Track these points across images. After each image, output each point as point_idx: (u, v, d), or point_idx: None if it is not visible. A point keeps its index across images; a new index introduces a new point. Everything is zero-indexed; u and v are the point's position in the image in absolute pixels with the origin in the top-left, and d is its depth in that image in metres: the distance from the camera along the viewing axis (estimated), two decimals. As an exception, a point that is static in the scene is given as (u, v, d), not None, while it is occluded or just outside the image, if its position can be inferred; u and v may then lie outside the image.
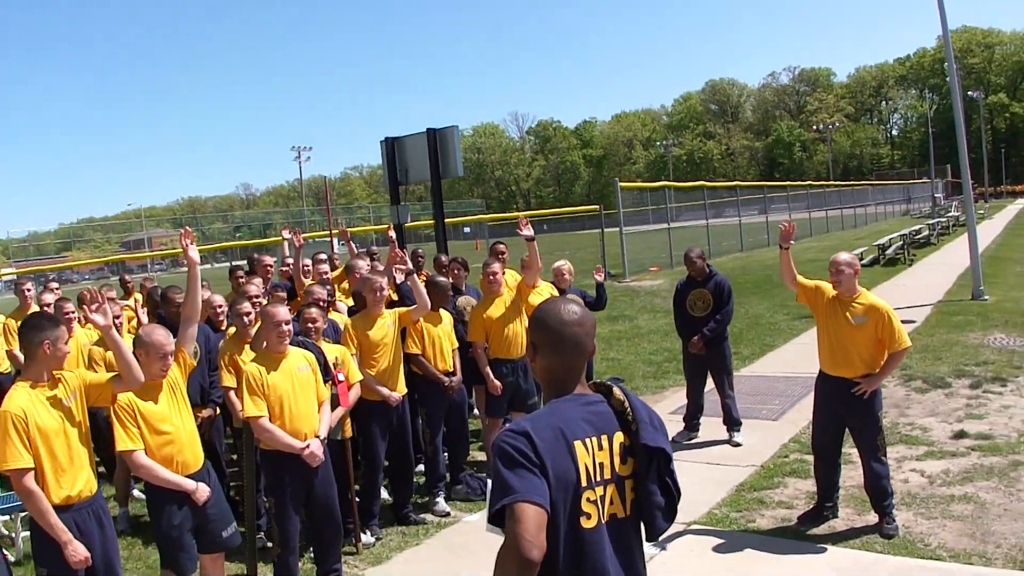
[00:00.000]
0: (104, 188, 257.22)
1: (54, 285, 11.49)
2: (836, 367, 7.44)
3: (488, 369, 9.18)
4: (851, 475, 8.13)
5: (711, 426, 10.44)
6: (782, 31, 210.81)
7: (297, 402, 6.51)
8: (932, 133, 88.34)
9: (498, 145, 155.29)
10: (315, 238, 39.77)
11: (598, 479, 3.04)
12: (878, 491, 7.38)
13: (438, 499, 8.62)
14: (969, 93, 76.90)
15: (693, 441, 10.34)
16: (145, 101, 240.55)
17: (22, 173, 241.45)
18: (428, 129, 12.98)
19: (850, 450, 7.83)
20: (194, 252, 6.09)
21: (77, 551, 4.96)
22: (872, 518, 7.43)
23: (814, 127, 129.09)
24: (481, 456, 9.89)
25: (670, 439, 3.39)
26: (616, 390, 3.20)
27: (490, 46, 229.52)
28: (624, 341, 17.47)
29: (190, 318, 6.10)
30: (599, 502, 3.04)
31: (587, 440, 3.04)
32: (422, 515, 8.41)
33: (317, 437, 6.58)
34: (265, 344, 6.69)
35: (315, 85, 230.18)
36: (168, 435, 5.67)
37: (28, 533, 6.37)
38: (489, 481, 3.14)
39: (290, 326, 6.64)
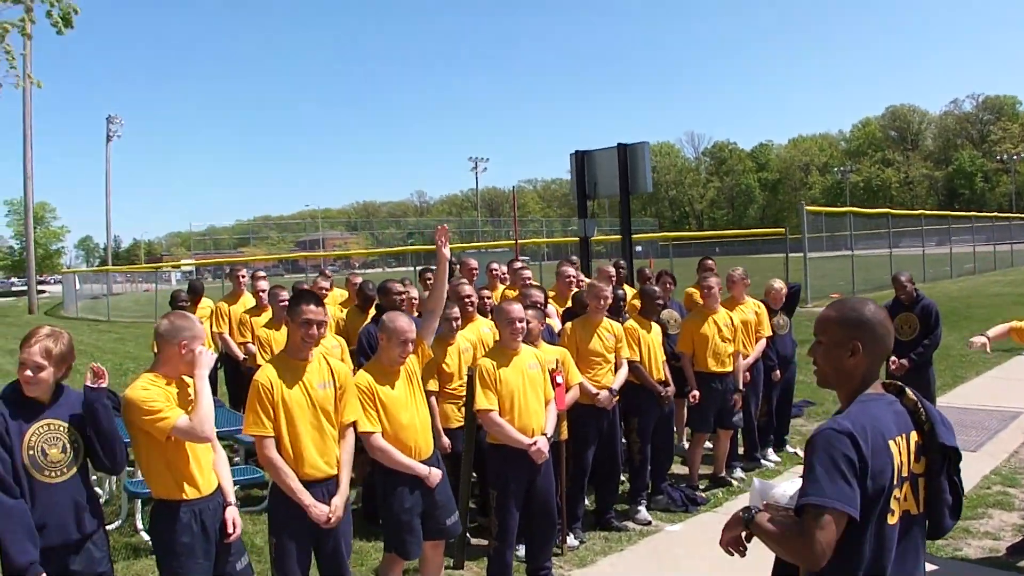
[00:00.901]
0: (282, 188, 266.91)
1: (262, 274, 11.91)
2: None
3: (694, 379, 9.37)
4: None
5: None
6: (966, 57, 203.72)
7: (527, 399, 6.59)
8: None
9: (673, 165, 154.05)
10: (488, 248, 40.27)
11: (902, 475, 3.16)
12: None
13: (640, 508, 8.60)
14: None
15: None
16: (325, 106, 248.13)
17: (206, 170, 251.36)
18: (619, 144, 13.00)
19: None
20: (447, 250, 6.26)
21: (321, 510, 5.18)
22: None
23: (997, 157, 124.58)
24: (682, 470, 9.82)
25: None
26: (908, 390, 3.32)
27: (668, 64, 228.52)
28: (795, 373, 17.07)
29: (434, 311, 6.32)
30: (900, 499, 3.16)
31: (898, 439, 3.16)
32: (624, 522, 8.41)
33: (544, 435, 6.63)
34: (499, 340, 6.83)
35: (494, 96, 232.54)
36: (404, 421, 5.81)
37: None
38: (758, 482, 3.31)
39: (523, 324, 6.71)
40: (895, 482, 3.13)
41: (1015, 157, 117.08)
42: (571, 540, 7.80)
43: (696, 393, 9.29)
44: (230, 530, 4.94)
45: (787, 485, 3.49)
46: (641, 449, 8.69)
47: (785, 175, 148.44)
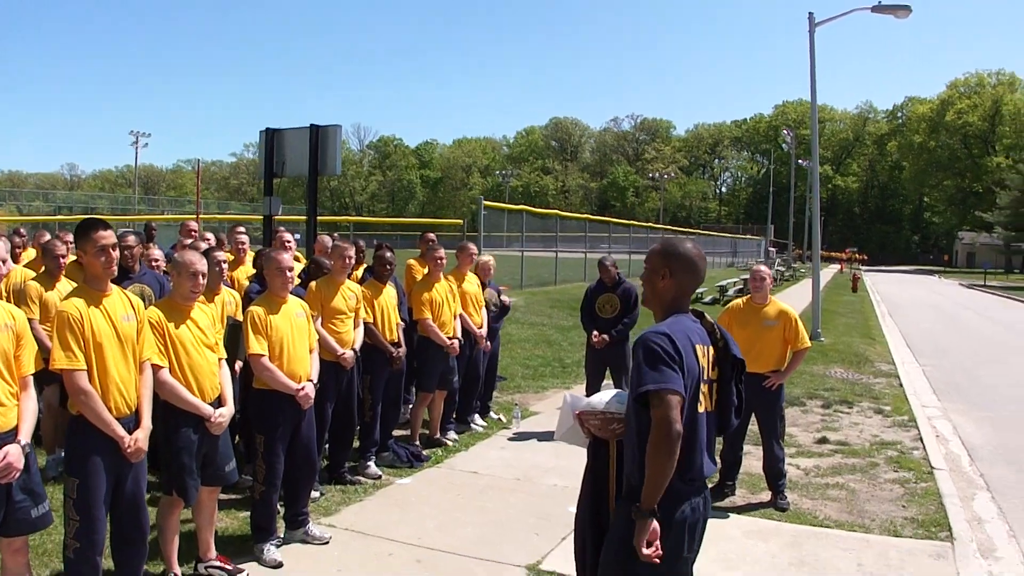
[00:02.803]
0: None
1: None
2: (748, 364, 8.27)
3: (443, 336, 9.89)
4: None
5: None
6: (629, 80, 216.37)
7: (295, 345, 6.72)
8: (774, 191, 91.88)
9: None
10: (171, 221, 39.03)
11: (704, 378, 3.92)
12: (775, 472, 8.60)
13: (370, 463, 8.92)
14: (799, 161, 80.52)
15: None
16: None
17: None
18: (311, 125, 12.97)
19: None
20: None
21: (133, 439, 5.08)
22: (764, 496, 8.75)
23: (649, 175, 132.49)
24: (402, 432, 10.21)
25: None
26: (707, 315, 4.15)
27: (338, 56, 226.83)
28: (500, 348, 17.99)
29: None
30: (704, 395, 3.93)
31: (701, 347, 3.95)
32: (355, 477, 8.70)
33: (310, 380, 6.81)
34: (268, 289, 6.88)
35: (159, 69, 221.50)
36: (192, 360, 5.76)
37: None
38: (613, 391, 4.00)
39: (293, 273, 6.89)
40: (703, 378, 3.95)
41: (665, 176, 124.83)
42: (312, 492, 7.98)
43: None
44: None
45: (600, 395, 4.21)
46: (372, 406, 8.98)
47: (447, 174, 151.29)
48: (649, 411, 3.73)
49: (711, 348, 4.09)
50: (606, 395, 4.26)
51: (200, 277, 5.84)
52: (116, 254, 5.16)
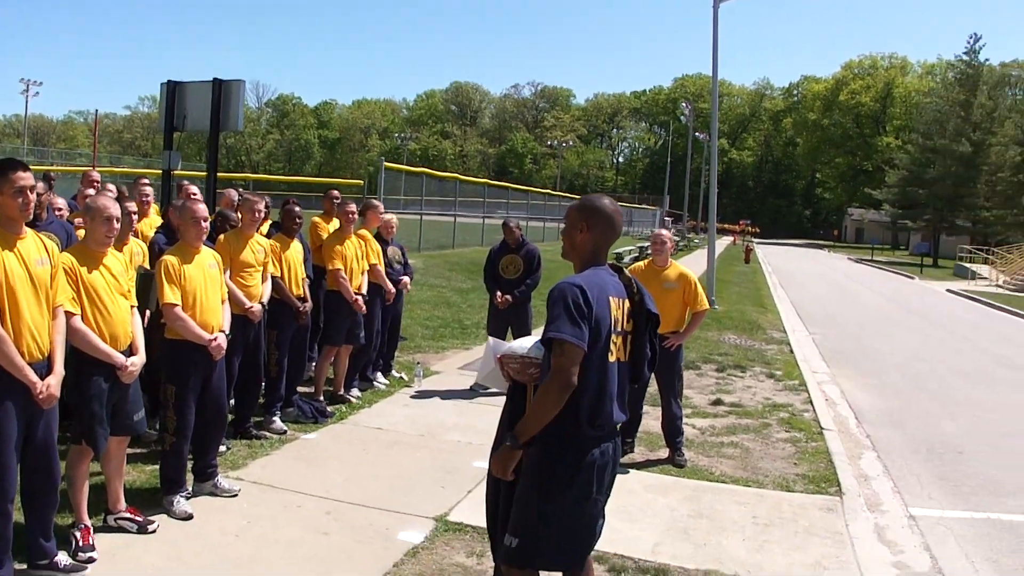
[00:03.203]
0: None
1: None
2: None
3: (351, 290, 9.89)
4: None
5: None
6: (531, 47, 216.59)
7: (208, 296, 6.69)
8: (671, 162, 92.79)
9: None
10: (64, 172, 38.07)
11: (617, 329, 4.08)
12: (673, 429, 8.93)
13: (275, 418, 8.93)
14: (697, 134, 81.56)
15: (489, 391, 11.03)
16: None
17: None
18: (214, 79, 12.76)
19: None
20: None
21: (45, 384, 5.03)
22: (662, 454, 9.07)
23: (548, 143, 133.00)
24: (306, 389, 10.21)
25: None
26: (625, 270, 4.33)
27: (237, 11, 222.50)
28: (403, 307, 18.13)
29: None
30: (617, 346, 4.11)
31: (616, 299, 4.12)
32: (260, 432, 8.70)
33: (222, 331, 6.80)
34: (182, 239, 6.83)
35: (50, 16, 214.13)
36: (106, 307, 5.66)
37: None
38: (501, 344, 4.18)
39: (208, 224, 6.86)
40: (615, 330, 4.12)
41: (563, 144, 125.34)
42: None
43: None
44: None
45: (522, 340, 4.38)
46: (278, 361, 8.97)
47: (346, 135, 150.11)
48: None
49: (626, 301, 4.24)
50: (528, 341, 4.42)
51: (114, 222, 5.73)
52: (33, 197, 5.03)
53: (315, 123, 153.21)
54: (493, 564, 5.34)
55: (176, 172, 13.76)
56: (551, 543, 4.14)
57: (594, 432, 4.05)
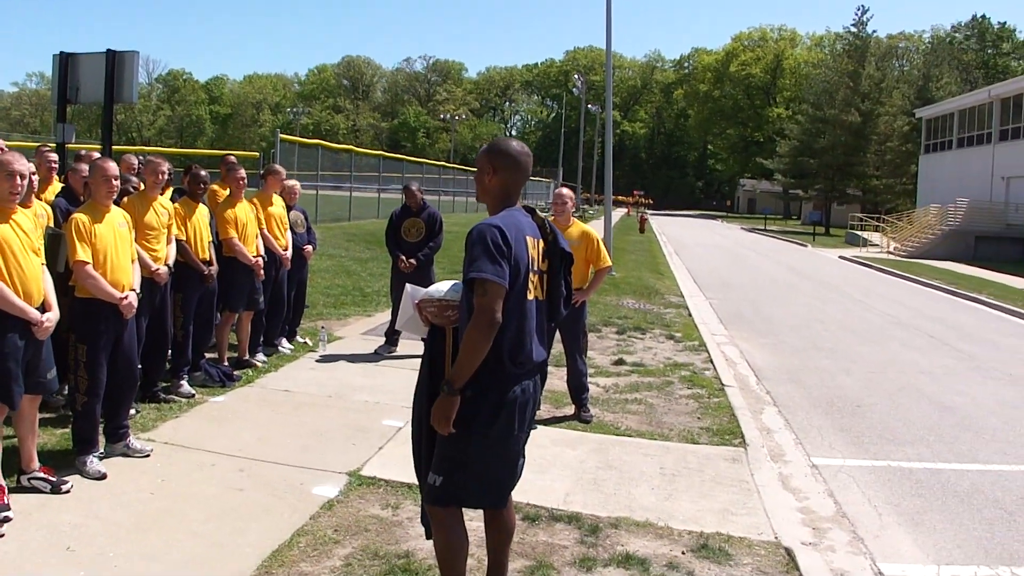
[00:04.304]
0: None
1: None
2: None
3: (248, 254, 9.90)
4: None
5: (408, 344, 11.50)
6: (422, 20, 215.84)
7: (119, 255, 6.68)
8: (564, 134, 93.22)
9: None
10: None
11: (534, 268, 4.22)
12: (579, 386, 9.12)
13: (183, 382, 8.92)
14: (589, 107, 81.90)
15: (394, 354, 11.41)
16: None
17: None
18: (108, 50, 12.56)
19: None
20: None
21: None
22: (568, 411, 9.25)
23: (441, 116, 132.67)
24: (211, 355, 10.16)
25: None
26: (538, 211, 4.47)
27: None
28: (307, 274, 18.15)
29: None
30: (534, 284, 4.25)
31: (531, 239, 4.26)
32: (169, 396, 8.69)
33: (133, 290, 6.79)
34: (93, 198, 6.75)
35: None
36: (19, 263, 5.64)
37: None
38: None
39: (118, 182, 6.81)
40: (532, 268, 4.25)
41: (456, 118, 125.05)
42: (128, 409, 7.94)
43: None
44: None
45: (439, 285, 4.52)
46: (184, 324, 8.94)
47: (237, 110, 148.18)
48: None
49: (541, 241, 4.39)
50: (444, 285, 4.51)
51: (19, 178, 5.65)
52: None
53: (206, 98, 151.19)
54: (409, 515, 5.48)
55: (70, 145, 13.53)
56: (475, 480, 4.27)
57: (516, 369, 4.17)
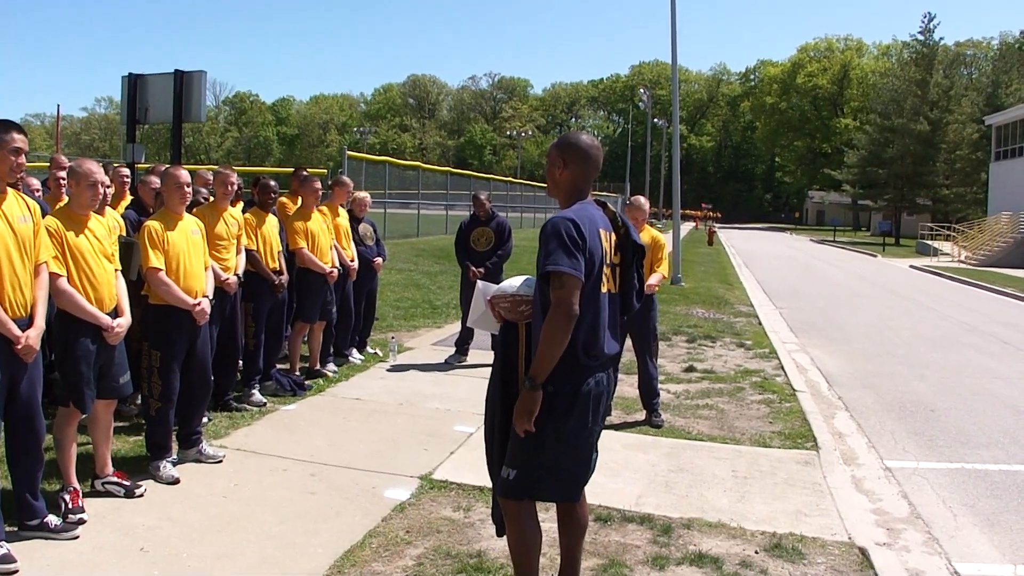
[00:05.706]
0: None
1: None
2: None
3: (321, 264, 9.95)
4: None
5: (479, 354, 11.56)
6: (487, 38, 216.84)
7: (191, 261, 6.74)
8: (631, 149, 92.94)
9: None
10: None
11: (607, 261, 4.19)
12: (650, 390, 9.07)
13: (254, 391, 8.98)
14: (655, 121, 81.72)
15: (464, 363, 11.47)
16: None
17: None
18: (176, 71, 12.73)
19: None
20: None
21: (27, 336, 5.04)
22: (639, 416, 9.26)
23: (507, 133, 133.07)
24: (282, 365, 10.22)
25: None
26: (608, 204, 4.44)
27: (194, 10, 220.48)
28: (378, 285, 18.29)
29: None
30: (608, 277, 4.22)
31: (604, 232, 4.22)
32: (241, 405, 8.74)
33: (206, 297, 6.85)
34: (166, 205, 6.85)
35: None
36: (92, 269, 5.70)
37: None
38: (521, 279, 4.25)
39: (191, 189, 6.89)
40: (606, 261, 4.22)
41: (522, 134, 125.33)
42: (200, 417, 8.00)
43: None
44: None
45: (511, 280, 4.46)
46: (256, 334, 9.00)
47: (304, 131, 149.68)
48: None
49: (613, 234, 4.35)
50: (517, 280, 4.47)
51: (99, 187, 5.79)
52: (24, 161, 5.09)
53: (273, 120, 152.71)
54: (481, 516, 5.42)
55: (140, 166, 13.70)
56: (549, 473, 4.23)
57: (590, 362, 4.13)
